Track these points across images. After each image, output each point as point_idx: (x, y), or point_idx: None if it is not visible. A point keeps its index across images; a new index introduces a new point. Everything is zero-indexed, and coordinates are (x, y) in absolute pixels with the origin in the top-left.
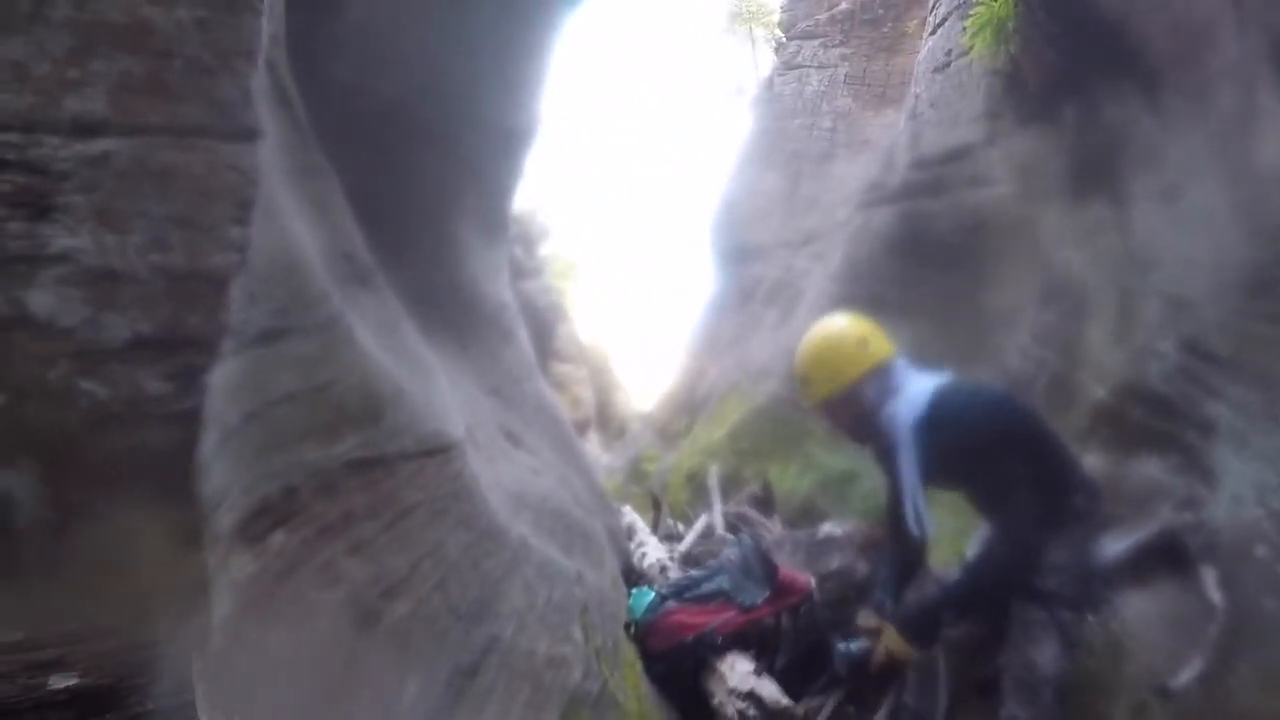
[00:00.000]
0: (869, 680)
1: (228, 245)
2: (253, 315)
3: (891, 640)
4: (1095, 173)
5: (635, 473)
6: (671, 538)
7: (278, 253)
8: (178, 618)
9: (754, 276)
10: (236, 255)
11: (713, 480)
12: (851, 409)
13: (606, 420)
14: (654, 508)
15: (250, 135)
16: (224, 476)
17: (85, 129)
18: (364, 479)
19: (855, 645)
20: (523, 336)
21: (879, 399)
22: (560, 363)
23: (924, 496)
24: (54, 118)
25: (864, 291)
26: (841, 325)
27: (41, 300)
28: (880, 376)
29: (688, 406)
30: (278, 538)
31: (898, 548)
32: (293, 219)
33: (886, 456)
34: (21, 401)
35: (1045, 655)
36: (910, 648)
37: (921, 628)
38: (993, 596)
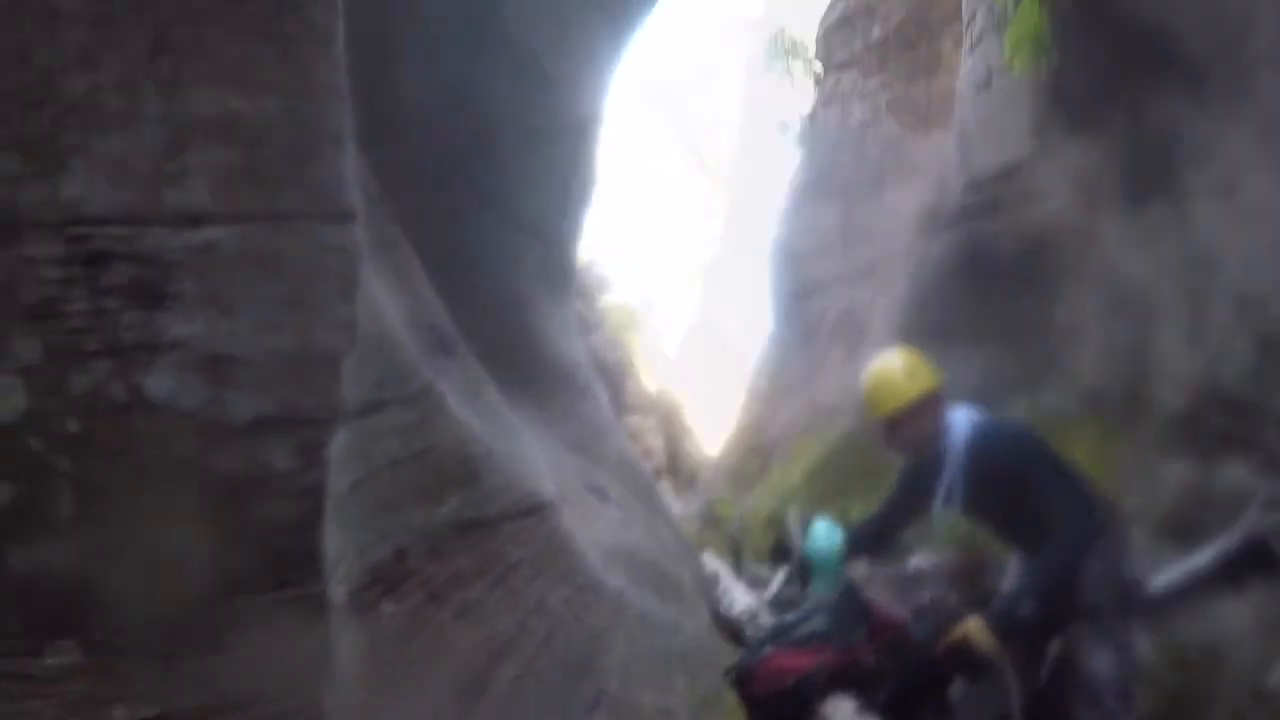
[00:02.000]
0: (948, 665)
1: (336, 325)
2: (354, 390)
3: (976, 629)
4: (1150, 176)
5: (710, 518)
6: (756, 583)
7: (370, 328)
8: (302, 690)
9: (817, 313)
10: (346, 334)
11: (793, 523)
12: (914, 426)
13: (677, 467)
14: (734, 553)
15: (347, 216)
16: (337, 546)
17: (189, 219)
18: (468, 539)
19: (926, 626)
20: (599, 392)
21: (937, 421)
22: (630, 413)
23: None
24: (158, 210)
25: (930, 320)
26: (902, 353)
27: (160, 385)
28: (937, 401)
29: (759, 449)
30: (388, 607)
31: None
32: (379, 293)
33: (926, 474)
34: (149, 479)
35: (1101, 663)
36: (996, 642)
37: (1004, 625)
38: (1058, 590)
